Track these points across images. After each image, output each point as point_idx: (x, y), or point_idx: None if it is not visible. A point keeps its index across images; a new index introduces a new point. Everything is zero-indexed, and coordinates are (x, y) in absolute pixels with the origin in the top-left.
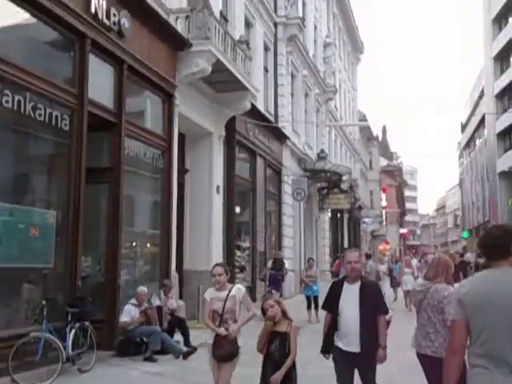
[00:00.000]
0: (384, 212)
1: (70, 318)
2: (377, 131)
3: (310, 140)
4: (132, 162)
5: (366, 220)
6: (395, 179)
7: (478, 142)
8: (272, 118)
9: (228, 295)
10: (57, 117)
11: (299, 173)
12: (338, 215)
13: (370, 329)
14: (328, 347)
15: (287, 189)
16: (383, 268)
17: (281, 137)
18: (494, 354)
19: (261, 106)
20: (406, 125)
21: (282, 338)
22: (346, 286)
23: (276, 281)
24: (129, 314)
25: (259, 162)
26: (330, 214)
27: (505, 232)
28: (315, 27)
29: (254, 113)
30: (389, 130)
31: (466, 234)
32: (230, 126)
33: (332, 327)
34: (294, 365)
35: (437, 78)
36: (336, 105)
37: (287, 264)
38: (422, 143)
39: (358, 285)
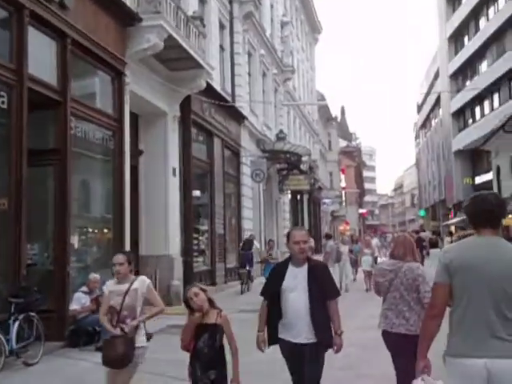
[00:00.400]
0: (343, 193)
1: (13, 310)
2: (335, 112)
3: (269, 121)
4: (80, 143)
5: (326, 201)
6: (354, 160)
7: (433, 121)
8: (229, 98)
9: (129, 289)
10: None
11: (258, 154)
12: (298, 196)
13: (323, 316)
14: (276, 338)
15: (246, 170)
16: (345, 249)
17: (238, 117)
18: (475, 317)
19: (217, 86)
20: (364, 106)
21: (212, 331)
22: (291, 268)
23: (247, 259)
24: (79, 301)
25: (216, 142)
26: (290, 196)
27: (501, 202)
28: (271, 6)
29: (209, 92)
30: (347, 111)
31: (422, 213)
32: (185, 105)
33: (272, 316)
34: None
35: (394, 59)
36: (294, 85)
37: (257, 245)
38: (380, 124)
39: (305, 267)
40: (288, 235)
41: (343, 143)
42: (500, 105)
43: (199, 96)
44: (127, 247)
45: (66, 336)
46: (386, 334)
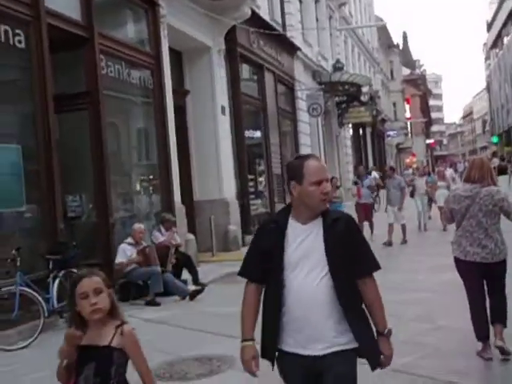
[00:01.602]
0: (409, 123)
1: (51, 267)
2: (397, 39)
3: (325, 51)
4: (114, 84)
5: (391, 133)
6: (419, 88)
7: (505, 39)
8: (280, 28)
9: None
10: (6, 32)
11: (314, 87)
12: (361, 130)
13: (355, 306)
14: (274, 349)
15: (302, 105)
16: (422, 181)
17: (290, 48)
18: None
19: (265, 15)
20: (428, 30)
21: (104, 358)
22: (294, 226)
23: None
24: (124, 254)
25: (268, 77)
26: (351, 130)
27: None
28: None
29: (257, 22)
30: (410, 37)
31: (495, 139)
32: (231, 37)
33: (268, 312)
34: None
35: None
36: (351, 11)
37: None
38: (446, 48)
39: (318, 224)
40: (294, 169)
41: (406, 71)
42: None
43: (245, 26)
44: (176, 194)
45: (115, 290)
46: (458, 262)
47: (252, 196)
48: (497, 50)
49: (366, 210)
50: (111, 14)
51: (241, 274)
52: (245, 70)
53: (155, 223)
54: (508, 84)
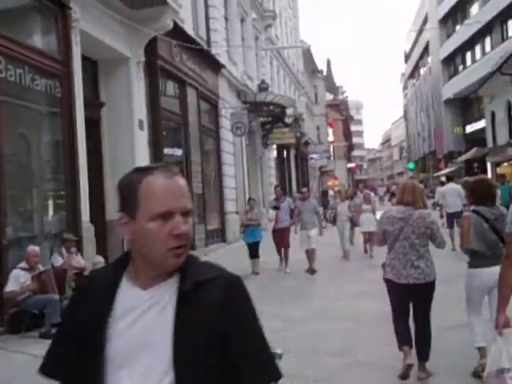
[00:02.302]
0: (332, 147)
1: None
2: (321, 66)
3: (250, 70)
4: (14, 90)
5: (314, 156)
6: (341, 113)
7: (422, 70)
8: (204, 44)
9: None
10: None
11: (239, 106)
12: (285, 152)
13: None
14: None
15: (226, 123)
16: (344, 207)
17: (215, 65)
18: None
19: (190, 31)
20: (350, 58)
21: None
22: (126, 291)
23: None
24: (16, 280)
25: (190, 93)
26: (275, 151)
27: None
28: None
29: (180, 35)
30: (333, 64)
31: (412, 165)
32: (151, 49)
33: None
34: None
35: (381, 7)
36: (277, 34)
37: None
38: (366, 77)
39: (168, 289)
40: (125, 191)
41: (330, 96)
42: (492, 49)
43: (168, 39)
44: (84, 213)
45: (6, 321)
46: (391, 284)
47: None
48: (414, 81)
49: (283, 235)
50: (15, 15)
51: (41, 370)
52: (166, 85)
53: (57, 244)
54: (424, 113)
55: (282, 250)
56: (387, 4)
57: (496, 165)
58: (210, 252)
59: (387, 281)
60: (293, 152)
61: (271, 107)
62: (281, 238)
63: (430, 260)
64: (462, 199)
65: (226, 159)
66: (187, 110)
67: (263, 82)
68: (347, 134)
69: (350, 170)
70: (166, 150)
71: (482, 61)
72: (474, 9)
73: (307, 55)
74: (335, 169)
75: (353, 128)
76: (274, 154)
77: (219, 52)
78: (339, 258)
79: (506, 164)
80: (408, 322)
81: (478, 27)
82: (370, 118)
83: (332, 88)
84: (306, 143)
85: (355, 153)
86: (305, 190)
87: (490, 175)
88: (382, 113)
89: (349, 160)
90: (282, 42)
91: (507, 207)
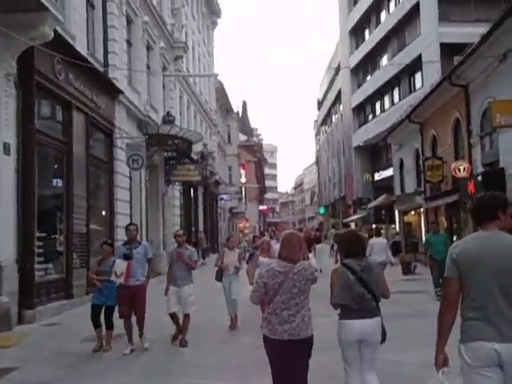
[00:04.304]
0: (243, 188)
1: None
2: (237, 108)
3: (155, 101)
4: None
5: (224, 196)
6: (255, 155)
7: (334, 117)
8: (100, 67)
9: None
10: None
11: (139, 137)
12: (192, 190)
13: None
14: None
15: (121, 155)
16: (233, 258)
17: (111, 90)
18: (485, 307)
19: (83, 50)
20: (266, 103)
21: None
22: None
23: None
24: None
25: (78, 117)
26: (181, 189)
27: (494, 198)
28: None
29: (67, 52)
30: (250, 107)
31: (322, 210)
32: (27, 62)
33: None
34: None
35: (296, 56)
36: (188, 68)
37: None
38: (281, 122)
39: None
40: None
41: (244, 138)
42: (400, 99)
43: (48, 51)
44: None
45: None
46: (267, 340)
47: (41, 259)
48: (326, 127)
49: (136, 296)
50: None
51: None
52: (44, 104)
53: None
54: (335, 159)
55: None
56: (303, 52)
57: (403, 213)
58: (89, 301)
59: (264, 337)
60: (201, 191)
61: (176, 141)
62: (131, 301)
63: (307, 315)
64: (387, 251)
65: (120, 195)
66: (72, 136)
67: (169, 114)
68: (260, 176)
69: (261, 212)
70: (42, 181)
71: (390, 110)
72: (384, 60)
73: (221, 94)
74: (246, 210)
75: (267, 171)
76: (180, 191)
77: (117, 77)
78: (224, 326)
79: (413, 212)
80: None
81: (388, 78)
82: (284, 162)
83: (247, 130)
84: (217, 183)
85: (268, 195)
86: (180, 232)
87: (397, 223)
88: (295, 157)
89: (261, 202)
90: (193, 78)
91: (443, 261)
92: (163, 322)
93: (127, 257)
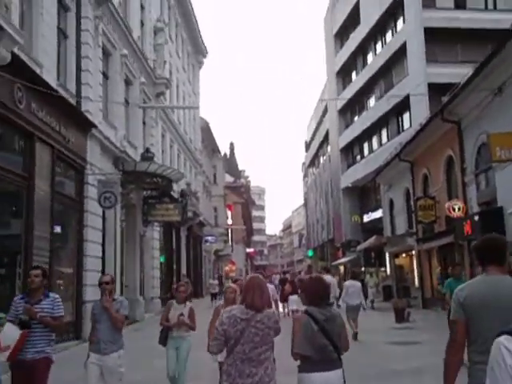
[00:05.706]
0: (230, 230)
1: None
2: (224, 149)
3: (133, 137)
4: None
5: (209, 238)
6: (242, 197)
7: (322, 159)
8: (72, 98)
9: None
10: None
11: (115, 175)
12: (174, 231)
13: None
14: None
15: (93, 193)
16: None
17: (83, 123)
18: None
19: (51, 79)
20: (253, 144)
21: None
22: None
23: None
24: None
25: (42, 150)
26: (161, 230)
27: (504, 241)
28: (142, 7)
29: (30, 79)
30: (238, 149)
31: (310, 253)
32: None
33: None
34: None
35: (285, 96)
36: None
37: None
38: (269, 164)
39: None
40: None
41: (230, 179)
42: (388, 140)
43: (7, 76)
44: None
45: None
46: None
47: None
48: (314, 169)
49: (33, 376)
50: None
51: None
52: (1, 135)
53: None
54: (323, 200)
55: None
56: (291, 93)
57: (394, 255)
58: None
59: None
60: (184, 232)
61: (155, 179)
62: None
63: (270, 367)
64: (360, 294)
65: (91, 236)
66: (34, 171)
67: (148, 150)
68: (247, 218)
69: (249, 254)
70: None
71: (378, 151)
72: (372, 101)
73: (207, 134)
74: (233, 253)
75: (254, 213)
76: (160, 232)
77: (91, 110)
78: None
79: (404, 255)
80: None
81: (375, 119)
82: (272, 205)
83: (234, 171)
84: (201, 224)
85: (256, 238)
86: (107, 278)
87: (388, 266)
88: (284, 200)
89: (248, 245)
90: (177, 117)
91: None
92: None
93: (24, 324)
